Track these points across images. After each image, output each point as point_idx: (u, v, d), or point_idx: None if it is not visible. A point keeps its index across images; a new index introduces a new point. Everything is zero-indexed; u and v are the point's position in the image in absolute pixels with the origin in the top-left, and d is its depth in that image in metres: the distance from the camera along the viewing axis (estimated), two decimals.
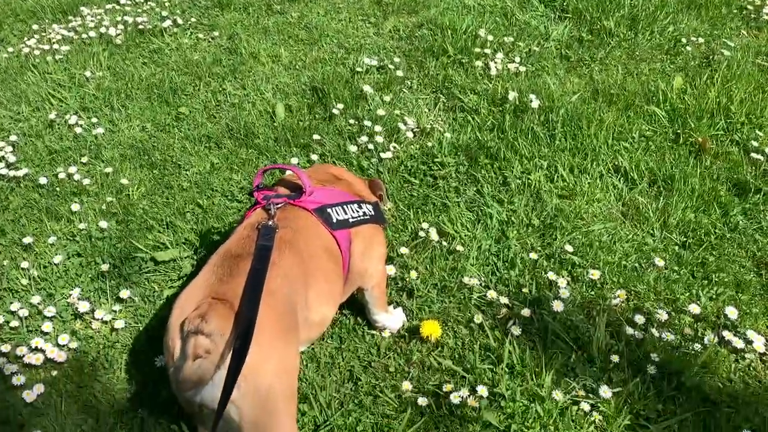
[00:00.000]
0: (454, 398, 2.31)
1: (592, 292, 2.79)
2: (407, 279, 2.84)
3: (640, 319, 2.60)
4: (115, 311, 2.80)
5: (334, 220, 2.32)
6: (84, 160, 3.61)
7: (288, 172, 2.71)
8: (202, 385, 1.82)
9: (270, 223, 2.18)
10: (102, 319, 2.75)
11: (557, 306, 2.63)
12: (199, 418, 2.19)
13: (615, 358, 2.46)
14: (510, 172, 3.37)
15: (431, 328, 2.55)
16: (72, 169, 3.52)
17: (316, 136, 3.68)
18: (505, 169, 3.40)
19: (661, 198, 3.23)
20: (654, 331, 2.58)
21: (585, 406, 2.31)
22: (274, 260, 2.05)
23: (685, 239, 3.04)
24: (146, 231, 3.19)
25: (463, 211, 3.19)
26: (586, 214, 3.15)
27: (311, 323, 2.18)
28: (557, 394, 2.33)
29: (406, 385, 2.40)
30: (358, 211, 2.40)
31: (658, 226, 3.09)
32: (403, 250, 2.93)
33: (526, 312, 2.64)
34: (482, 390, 2.33)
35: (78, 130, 3.83)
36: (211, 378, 1.81)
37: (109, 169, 3.54)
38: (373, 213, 2.44)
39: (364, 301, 2.58)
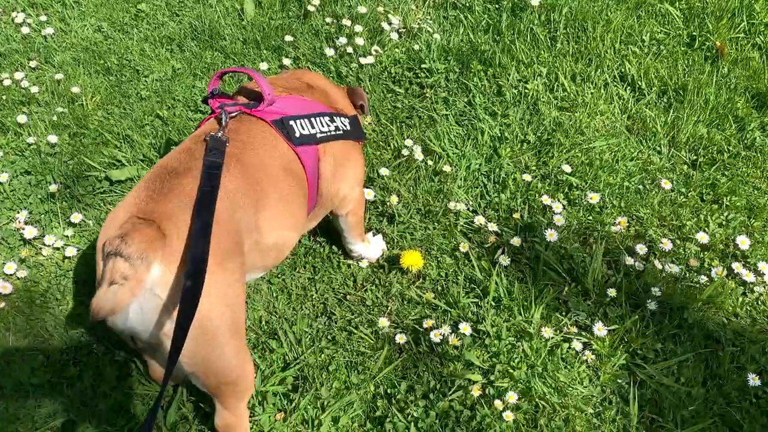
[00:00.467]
0: (435, 336, 2.13)
1: (590, 218, 2.56)
2: (388, 203, 2.59)
3: (641, 248, 2.38)
4: (67, 236, 2.56)
5: (297, 134, 2.02)
6: (32, 64, 3.25)
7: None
8: (115, 314, 1.59)
9: (219, 134, 1.89)
10: (53, 245, 2.52)
11: (551, 235, 2.40)
12: (142, 351, 2.00)
13: (612, 292, 2.26)
14: (505, 80, 3.04)
15: (412, 259, 2.33)
16: (18, 75, 3.17)
17: (288, 38, 3.30)
18: (500, 76, 3.06)
19: (671, 111, 2.92)
20: (656, 262, 2.36)
21: (577, 345, 2.14)
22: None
23: (695, 157, 2.77)
24: (101, 146, 2.89)
25: (452, 125, 2.89)
26: (587, 129, 2.86)
27: (264, 248, 1.93)
28: (546, 331, 2.15)
29: (383, 321, 2.21)
30: (329, 125, 2.10)
31: (665, 143, 2.82)
32: (384, 171, 2.66)
33: (516, 240, 2.41)
34: (465, 327, 2.14)
35: (25, 30, 3.44)
36: (127, 307, 1.59)
37: (60, 76, 3.19)
38: (348, 128, 2.14)
39: (338, 227, 2.35)
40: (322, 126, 2.08)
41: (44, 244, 2.53)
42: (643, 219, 2.55)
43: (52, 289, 2.43)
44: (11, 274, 2.43)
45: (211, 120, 2.01)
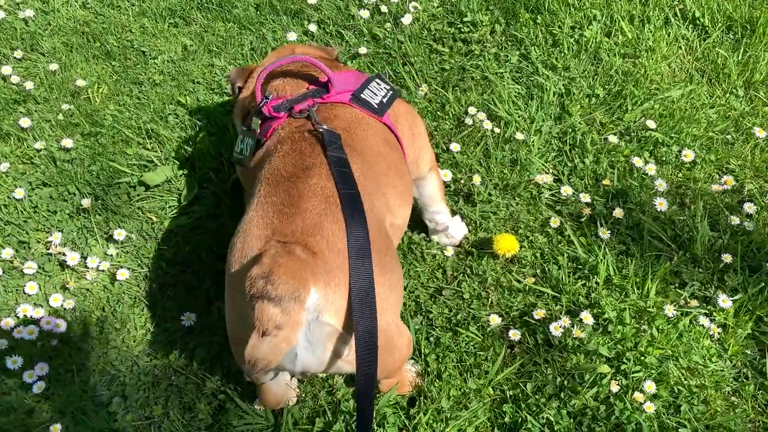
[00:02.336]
0: (555, 329, 1.99)
1: (680, 175, 2.42)
2: (462, 182, 2.40)
3: (749, 207, 2.26)
4: (110, 256, 2.31)
5: (375, 105, 1.89)
6: (17, 55, 2.88)
7: (265, 63, 2.10)
8: (274, 365, 1.42)
9: (325, 127, 1.70)
10: (97, 267, 2.27)
11: (660, 204, 2.26)
12: (265, 381, 1.83)
13: (727, 258, 2.15)
14: (558, 29, 2.82)
15: (508, 244, 2.17)
16: (5, 70, 2.81)
17: (311, 0, 3.00)
18: (551, 25, 2.84)
19: (742, 49, 2.77)
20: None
21: (703, 321, 2.03)
22: None
23: None
24: (123, 145, 2.60)
25: (509, 83, 2.68)
26: (657, 77, 2.69)
27: (397, 228, 1.85)
28: (669, 309, 2.04)
29: (494, 319, 2.06)
30: (383, 88, 1.95)
31: (740, 84, 2.67)
32: (455, 146, 2.45)
33: (618, 212, 2.27)
34: (586, 316, 2.01)
35: (0, 14, 3.04)
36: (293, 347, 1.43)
37: (54, 66, 2.84)
38: (388, 85, 1.99)
39: (422, 199, 2.21)
40: (380, 90, 1.95)
41: (87, 267, 2.28)
42: (736, 171, 2.43)
43: (108, 318, 2.20)
44: (58, 308, 2.19)
45: (286, 122, 1.79)
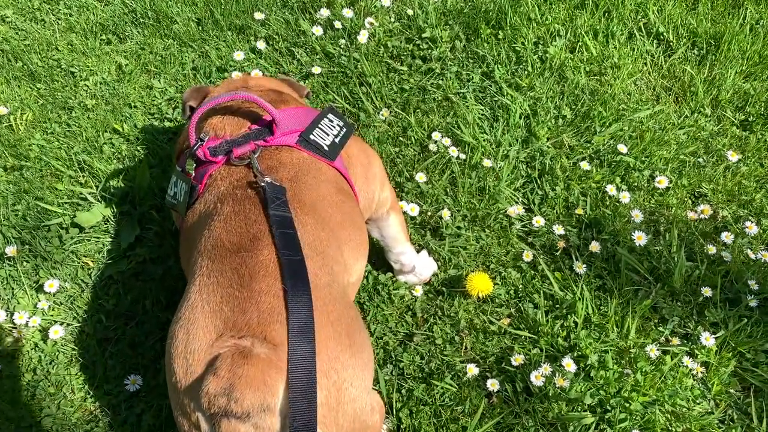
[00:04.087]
0: (536, 379, 1.89)
1: (653, 201, 2.36)
2: (429, 214, 2.27)
3: (727, 236, 2.21)
4: (42, 310, 2.08)
5: (326, 148, 1.71)
6: None
7: (214, 93, 1.93)
8: None
9: (268, 179, 1.52)
10: (26, 323, 2.04)
11: (639, 238, 2.18)
12: None
13: (707, 291, 2.09)
14: (522, 45, 2.72)
15: (481, 283, 2.05)
16: None
17: (258, 15, 2.80)
18: (514, 41, 2.74)
19: (707, 65, 2.72)
20: (747, 250, 2.20)
21: (687, 361, 1.96)
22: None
23: (744, 117, 2.60)
24: (53, 180, 2.36)
25: (472, 105, 2.56)
26: (624, 96, 2.62)
27: (352, 287, 1.66)
28: (652, 350, 1.96)
29: (471, 369, 1.94)
30: (335, 125, 1.77)
31: (708, 103, 2.63)
32: (420, 176, 2.31)
33: (595, 246, 2.18)
34: (569, 363, 1.91)
35: None
36: None
37: None
38: (342, 121, 1.82)
39: (383, 239, 2.06)
40: (332, 128, 1.77)
41: (14, 324, 2.05)
42: (708, 196, 2.37)
43: (41, 382, 1.98)
44: None
45: (221, 170, 1.61)
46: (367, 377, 1.37)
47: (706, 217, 2.27)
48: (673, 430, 1.87)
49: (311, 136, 1.69)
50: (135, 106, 2.59)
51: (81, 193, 2.31)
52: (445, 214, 2.22)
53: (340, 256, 1.54)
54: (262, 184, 1.51)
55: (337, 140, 1.74)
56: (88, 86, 2.64)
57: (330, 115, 1.77)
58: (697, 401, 1.94)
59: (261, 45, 2.71)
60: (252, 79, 1.98)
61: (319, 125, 1.74)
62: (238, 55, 2.65)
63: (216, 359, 1.22)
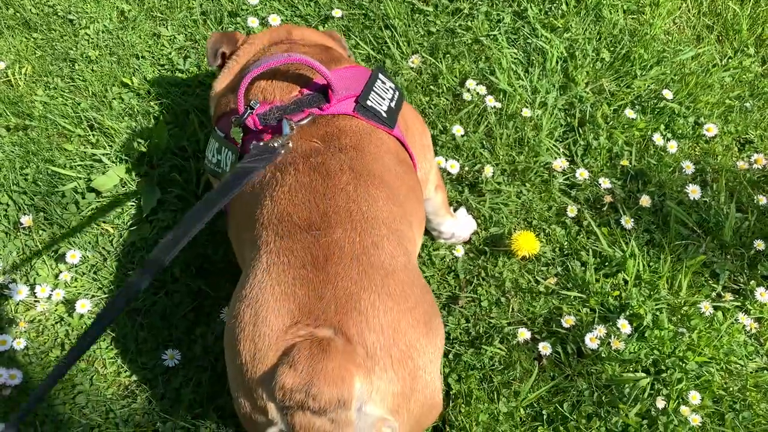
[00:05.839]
0: (591, 341, 1.83)
1: (698, 149, 2.27)
2: (466, 169, 2.16)
3: None
4: (64, 282, 1.97)
5: (384, 115, 1.57)
6: None
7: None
8: None
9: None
10: (49, 296, 1.94)
11: (693, 191, 2.09)
12: None
13: (760, 245, 2.03)
14: None
15: (527, 244, 1.97)
16: None
17: None
18: None
19: (750, 1, 2.58)
20: None
21: (743, 318, 1.92)
22: (362, 211, 1.35)
23: None
24: (61, 140, 2.21)
25: (504, 47, 2.42)
26: (664, 36, 2.49)
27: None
28: (706, 307, 1.91)
29: (523, 333, 1.88)
30: (388, 87, 1.63)
31: (752, 42, 2.50)
32: (458, 129, 2.19)
33: (645, 200, 2.09)
34: (623, 324, 1.86)
35: None
36: None
37: None
38: (393, 83, 1.68)
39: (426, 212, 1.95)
40: (386, 92, 1.63)
41: (36, 298, 1.94)
42: (755, 143, 2.29)
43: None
44: (5, 351, 1.86)
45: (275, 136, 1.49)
46: (438, 361, 1.32)
47: (759, 167, 2.19)
48: (729, 387, 1.84)
49: (368, 102, 1.55)
50: (142, 57, 2.41)
51: (94, 155, 2.17)
52: (488, 170, 2.11)
53: (410, 232, 1.46)
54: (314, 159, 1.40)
55: (393, 104, 1.61)
56: (89, 35, 2.46)
57: (381, 76, 1.63)
58: (751, 358, 1.91)
59: None
60: (296, 29, 1.82)
61: (374, 89, 1.59)
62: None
63: (291, 349, 1.15)
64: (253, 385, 1.22)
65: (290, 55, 1.50)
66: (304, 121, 1.48)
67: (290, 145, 1.42)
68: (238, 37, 1.83)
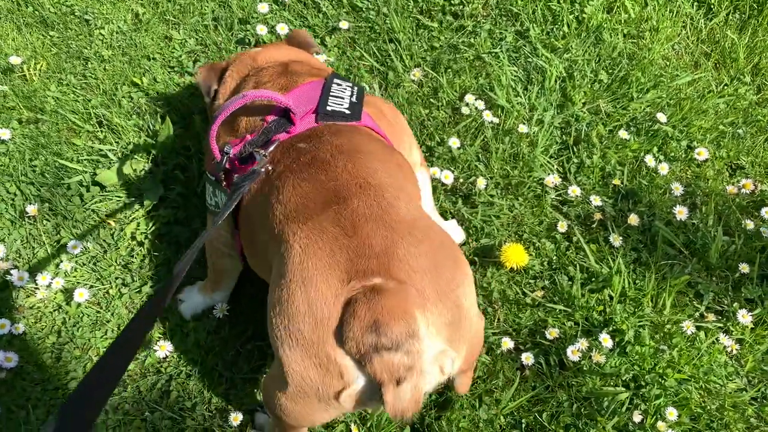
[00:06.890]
0: (573, 354, 1.88)
1: (689, 172, 2.32)
2: (460, 181, 2.22)
3: (766, 211, 2.17)
4: (65, 272, 2.04)
5: (347, 111, 1.68)
6: None
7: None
8: (419, 408, 1.34)
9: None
10: (49, 284, 2.01)
11: (680, 212, 2.15)
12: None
13: (744, 268, 2.07)
14: (557, 4, 2.62)
15: (516, 255, 2.02)
16: None
17: None
18: None
19: (749, 30, 2.64)
20: None
21: (723, 339, 1.95)
22: (368, 182, 1.47)
23: None
24: (70, 135, 2.29)
25: (505, 65, 2.48)
26: (662, 61, 2.54)
27: None
28: (687, 326, 1.95)
29: (506, 343, 1.92)
30: (345, 87, 1.74)
31: (748, 70, 2.56)
32: (454, 141, 2.25)
33: (633, 219, 2.14)
34: (605, 339, 1.90)
35: None
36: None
37: None
38: (349, 82, 1.79)
39: None
40: (344, 91, 1.74)
41: (36, 286, 2.01)
42: (746, 168, 2.33)
43: (67, 344, 1.95)
44: (3, 335, 1.93)
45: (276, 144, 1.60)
46: (472, 287, 1.44)
47: (747, 192, 2.24)
48: (707, 406, 1.88)
49: (328, 108, 1.66)
50: (153, 58, 2.49)
51: (101, 150, 2.25)
52: (480, 182, 2.16)
53: (414, 189, 1.61)
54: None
55: (354, 99, 1.72)
56: (103, 35, 2.54)
57: (336, 80, 1.75)
58: (731, 378, 1.95)
59: None
60: (260, 54, 1.95)
61: (331, 94, 1.70)
62: (262, 7, 2.54)
63: (349, 305, 1.26)
64: (322, 354, 1.29)
65: (245, 95, 1.61)
66: (272, 147, 1.59)
67: (269, 167, 1.55)
68: (223, 66, 1.99)
